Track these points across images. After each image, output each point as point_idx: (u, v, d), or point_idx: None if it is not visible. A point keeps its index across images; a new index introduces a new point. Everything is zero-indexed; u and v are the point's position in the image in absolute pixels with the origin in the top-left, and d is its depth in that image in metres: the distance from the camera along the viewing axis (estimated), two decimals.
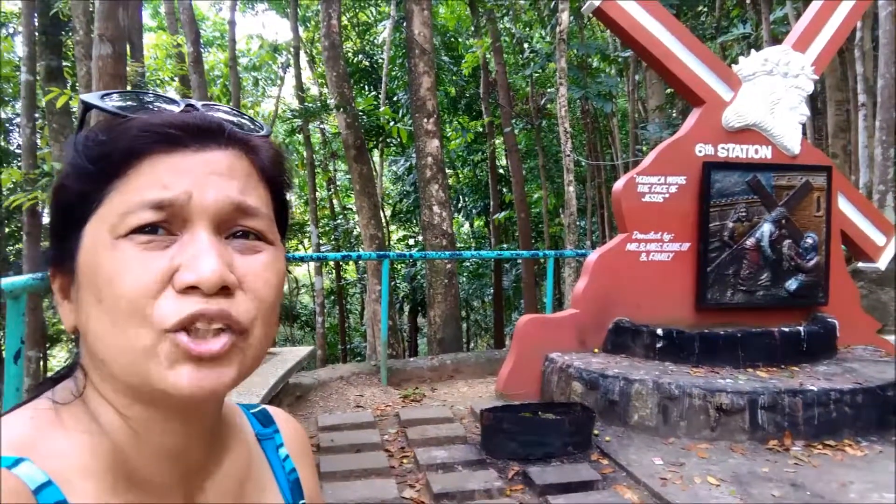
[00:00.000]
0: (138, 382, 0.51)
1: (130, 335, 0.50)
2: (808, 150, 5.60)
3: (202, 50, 12.43)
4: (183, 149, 0.54)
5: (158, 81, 12.91)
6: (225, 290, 0.51)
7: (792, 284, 5.41)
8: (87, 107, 0.58)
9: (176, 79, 12.80)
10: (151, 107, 0.59)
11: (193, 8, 11.33)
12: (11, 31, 12.54)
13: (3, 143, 13.67)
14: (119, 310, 0.50)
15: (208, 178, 0.53)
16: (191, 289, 0.50)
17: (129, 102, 0.58)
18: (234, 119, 0.61)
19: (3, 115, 13.57)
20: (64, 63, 9.97)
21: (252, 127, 0.61)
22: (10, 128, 13.39)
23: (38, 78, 8.56)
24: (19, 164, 10.18)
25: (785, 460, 3.87)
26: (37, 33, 8.51)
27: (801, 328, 5.02)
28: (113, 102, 0.57)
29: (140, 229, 0.51)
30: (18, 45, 11.69)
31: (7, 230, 12.46)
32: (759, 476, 3.66)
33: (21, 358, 2.23)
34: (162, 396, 0.51)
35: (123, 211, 0.51)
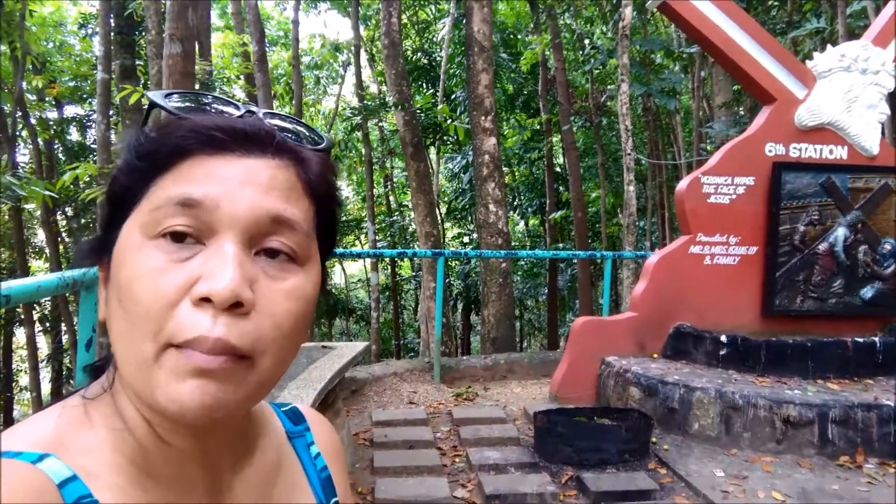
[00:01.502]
0: (142, 391, 0.50)
1: (138, 342, 0.49)
2: (887, 150, 5.29)
3: (266, 49, 12.73)
4: (227, 153, 0.53)
5: (225, 80, 13.29)
6: (238, 307, 0.49)
7: (867, 292, 5.12)
8: (151, 104, 0.58)
9: (241, 77, 13.16)
10: (209, 108, 0.58)
11: (259, 8, 11.62)
12: (90, 31, 13.15)
13: (80, 139, 14.38)
14: (134, 315, 0.49)
15: (244, 188, 0.52)
16: (205, 300, 0.48)
17: (189, 103, 0.58)
18: (291, 128, 0.59)
19: (81, 112, 14.28)
20: (137, 62, 10.39)
21: (311, 137, 0.60)
22: (87, 124, 14.06)
23: (113, 76, 8.95)
24: (95, 158, 10.68)
25: (857, 478, 3.67)
26: (112, 33, 8.90)
27: (876, 339, 4.76)
28: (174, 102, 0.57)
29: (168, 235, 0.50)
30: (95, 45, 12.26)
31: (84, 221, 13.10)
32: (829, 493, 3.48)
33: (93, 346, 2.31)
34: (160, 411, 0.50)
35: (153, 207, 0.51)
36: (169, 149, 0.53)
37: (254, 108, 0.58)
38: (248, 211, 0.51)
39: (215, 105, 0.59)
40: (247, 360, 0.50)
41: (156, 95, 0.57)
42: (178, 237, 0.50)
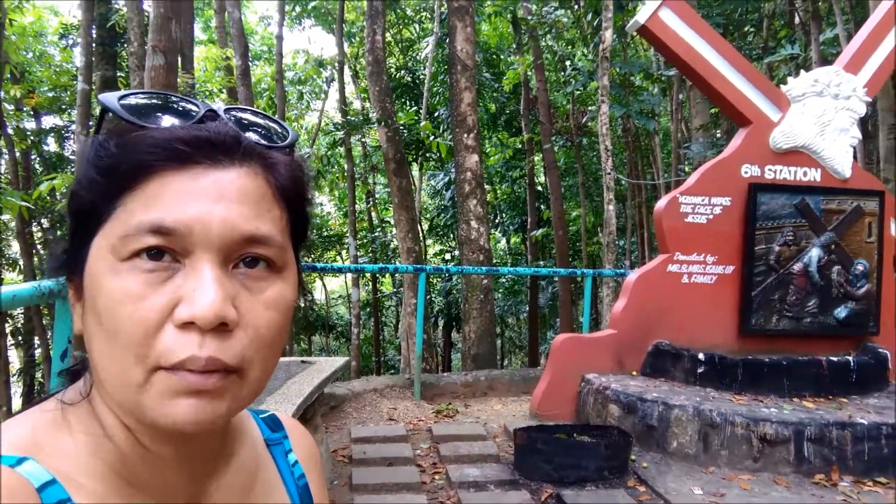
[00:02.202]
0: (130, 407, 0.50)
1: (126, 367, 0.49)
2: (859, 173, 5.42)
3: (250, 63, 12.73)
4: (193, 166, 0.51)
5: (208, 93, 13.26)
6: (223, 327, 0.49)
7: (841, 312, 5.22)
8: (104, 109, 0.55)
9: (224, 91, 13.14)
10: (167, 105, 0.56)
11: (243, 23, 11.64)
12: (70, 42, 13.06)
13: (58, 149, 14.20)
14: (117, 341, 0.49)
15: (216, 206, 0.50)
16: (189, 324, 0.48)
17: (145, 101, 0.55)
18: (252, 119, 0.58)
19: (60, 123, 14.12)
20: (119, 73, 10.33)
21: (278, 131, 0.59)
22: (66, 134, 13.90)
23: (93, 87, 8.88)
24: (73, 169, 10.56)
25: (832, 496, 3.71)
26: (94, 44, 8.84)
27: (850, 358, 4.84)
28: (131, 100, 0.54)
29: (144, 251, 0.49)
30: (76, 56, 12.17)
31: (60, 233, 12.88)
32: None
33: (68, 357, 2.27)
34: (151, 425, 0.50)
35: (123, 234, 0.49)
36: (131, 165, 0.50)
37: (214, 107, 0.56)
38: (221, 233, 0.50)
39: (173, 103, 0.56)
40: (236, 374, 0.51)
41: (110, 98, 0.54)
42: (154, 254, 0.49)
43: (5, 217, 11.51)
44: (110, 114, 0.54)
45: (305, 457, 0.72)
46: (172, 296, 0.49)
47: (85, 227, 0.53)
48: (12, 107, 12.42)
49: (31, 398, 12.63)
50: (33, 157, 13.51)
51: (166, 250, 0.49)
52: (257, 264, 0.53)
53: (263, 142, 0.56)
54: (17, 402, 13.06)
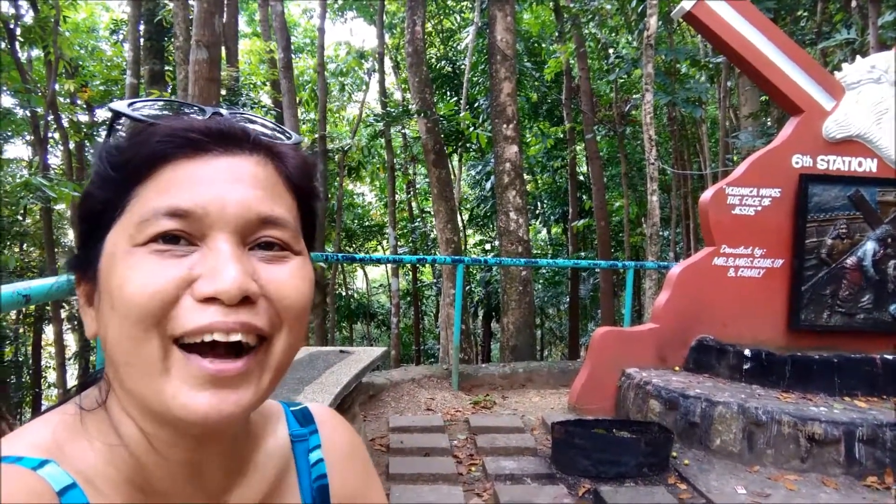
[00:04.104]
0: (151, 400, 0.49)
1: (141, 343, 0.48)
2: None
3: (293, 56, 12.88)
4: (205, 154, 0.52)
5: (252, 85, 13.47)
6: (247, 301, 0.49)
7: None
8: (114, 115, 0.56)
9: (268, 83, 13.33)
10: (183, 110, 0.57)
11: (285, 16, 11.76)
12: (121, 37, 13.43)
13: None
14: (130, 315, 0.48)
15: (231, 187, 0.51)
16: (211, 300, 0.48)
17: (157, 110, 0.57)
18: (260, 124, 0.59)
19: None
20: (166, 67, 10.58)
21: (280, 134, 0.59)
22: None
23: (141, 81, 9.12)
24: None
25: (885, 499, 3.57)
26: (142, 39, 9.07)
27: None
28: (139, 110, 0.56)
29: (160, 237, 0.49)
30: (126, 50, 12.51)
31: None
32: None
33: None
34: (174, 420, 0.49)
35: (140, 219, 0.50)
36: (145, 156, 0.51)
37: (220, 110, 0.58)
38: (237, 213, 0.51)
39: (181, 109, 0.58)
40: (263, 345, 0.51)
41: (120, 105, 0.56)
42: (169, 239, 0.49)
43: (60, 207, 11.95)
44: (120, 121, 0.55)
45: (339, 452, 0.70)
46: (190, 271, 0.49)
47: (97, 227, 0.53)
48: (67, 100, 12.87)
49: (87, 381, 13.13)
50: (87, 149, 13.99)
51: (182, 235, 0.50)
52: (272, 248, 0.53)
53: (269, 133, 0.58)
54: (72, 384, 13.63)
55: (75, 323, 14.05)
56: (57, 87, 10.74)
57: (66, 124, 12.13)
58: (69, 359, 13.77)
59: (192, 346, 0.48)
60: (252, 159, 0.54)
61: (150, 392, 0.49)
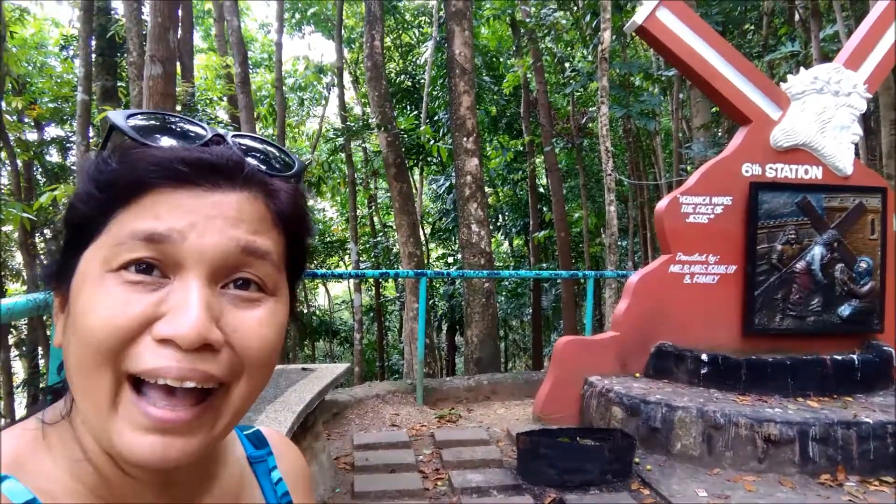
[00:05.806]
0: (98, 433, 0.48)
1: (93, 376, 0.47)
2: (861, 170, 5.40)
3: (250, 71, 12.76)
4: (192, 186, 0.50)
5: (208, 101, 13.27)
6: (208, 347, 0.47)
7: (845, 310, 5.18)
8: (111, 127, 0.54)
9: (224, 98, 13.16)
10: (175, 128, 0.55)
11: (242, 31, 11.66)
12: (71, 53, 13.11)
13: (60, 160, 14.25)
14: (89, 346, 0.47)
15: (212, 221, 0.49)
16: (169, 341, 0.46)
17: (153, 122, 0.55)
18: (261, 149, 0.57)
19: (61, 133, 14.17)
20: (118, 83, 10.36)
21: (281, 159, 0.57)
22: (67, 145, 13.95)
23: (93, 97, 8.90)
24: (74, 179, 10.59)
25: (838, 496, 3.68)
26: (94, 55, 8.87)
27: (854, 356, 4.81)
28: (137, 121, 0.54)
29: (133, 264, 0.48)
30: (77, 67, 12.22)
31: (58, 244, 12.91)
32: None
33: (64, 370, 2.27)
34: (118, 457, 0.48)
35: (116, 242, 0.48)
36: (130, 182, 0.50)
37: (221, 132, 0.55)
38: (216, 243, 0.49)
39: (181, 125, 0.56)
40: (220, 390, 0.49)
41: (117, 116, 0.54)
42: (142, 268, 0.48)
43: (8, 228, 11.54)
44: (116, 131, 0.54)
45: (291, 473, 0.70)
46: (155, 308, 0.47)
47: (77, 240, 0.52)
48: (14, 118, 12.47)
49: (35, 410, 12.65)
50: (35, 168, 13.57)
51: (156, 264, 0.48)
52: (249, 287, 0.51)
53: (266, 168, 0.55)
54: (20, 413, 13.09)
55: (23, 349, 13.54)
56: (4, 104, 10.40)
57: (13, 143, 11.76)
58: (17, 387, 13.24)
59: (150, 383, 0.47)
60: (241, 195, 0.52)
61: (98, 424, 0.48)
